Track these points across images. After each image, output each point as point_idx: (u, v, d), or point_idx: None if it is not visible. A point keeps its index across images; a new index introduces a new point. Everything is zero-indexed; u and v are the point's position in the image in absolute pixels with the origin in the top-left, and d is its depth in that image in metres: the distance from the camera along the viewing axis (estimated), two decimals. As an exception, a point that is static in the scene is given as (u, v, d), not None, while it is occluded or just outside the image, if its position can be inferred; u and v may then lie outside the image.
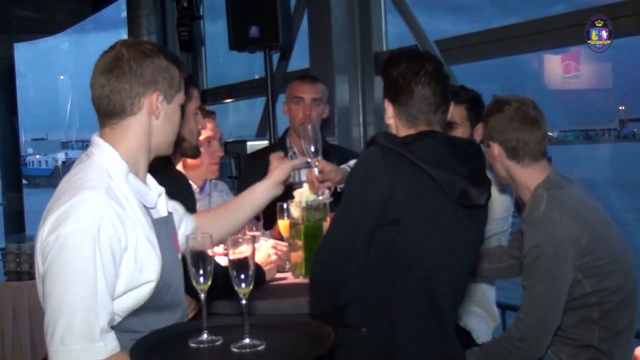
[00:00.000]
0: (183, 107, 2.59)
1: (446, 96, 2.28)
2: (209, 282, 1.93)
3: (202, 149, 3.27)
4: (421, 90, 2.23)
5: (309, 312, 2.49)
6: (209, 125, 3.32)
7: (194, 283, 1.92)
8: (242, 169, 5.18)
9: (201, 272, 1.90)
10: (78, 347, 1.77)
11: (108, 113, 1.98)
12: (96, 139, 2.00)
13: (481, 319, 3.37)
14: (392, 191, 2.13)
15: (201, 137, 3.26)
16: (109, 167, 1.94)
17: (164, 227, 2.04)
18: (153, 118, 1.99)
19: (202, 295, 1.93)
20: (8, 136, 11.45)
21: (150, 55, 1.97)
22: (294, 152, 3.84)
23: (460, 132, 3.20)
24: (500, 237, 3.32)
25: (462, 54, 4.64)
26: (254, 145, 5.27)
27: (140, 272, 1.91)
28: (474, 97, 3.31)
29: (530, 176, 2.65)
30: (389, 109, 2.33)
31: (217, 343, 1.89)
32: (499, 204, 3.21)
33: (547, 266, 2.51)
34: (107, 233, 1.82)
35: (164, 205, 2.12)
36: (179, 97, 2.07)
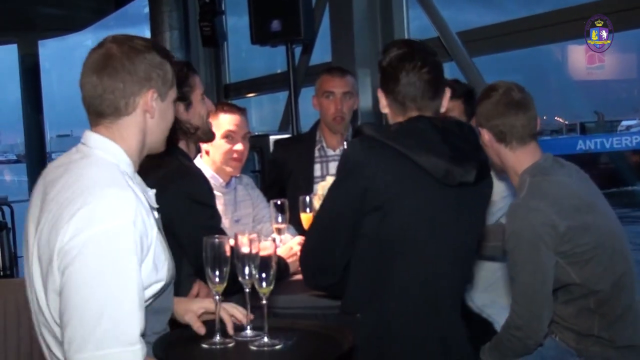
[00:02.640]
0: (185, 99, 2.58)
1: (434, 83, 2.29)
2: (225, 284, 1.96)
3: (218, 140, 3.27)
4: (406, 77, 2.26)
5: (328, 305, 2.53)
6: (235, 120, 3.32)
7: (209, 284, 1.96)
8: (269, 159, 5.20)
9: (217, 272, 1.94)
10: (118, 349, 1.69)
11: (101, 113, 1.88)
12: (94, 135, 1.90)
13: (504, 309, 3.35)
14: (372, 180, 2.17)
15: (221, 131, 3.27)
16: (119, 164, 1.87)
17: (161, 227, 2.01)
18: (148, 117, 1.92)
19: (217, 297, 1.97)
20: (34, 133, 11.57)
21: (142, 51, 1.89)
22: (322, 146, 3.85)
23: None
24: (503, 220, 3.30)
25: (484, 46, 4.61)
26: (276, 139, 5.28)
27: (155, 271, 1.87)
28: (469, 91, 3.41)
29: (518, 160, 2.67)
30: (382, 99, 2.36)
31: (230, 345, 1.91)
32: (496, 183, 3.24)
33: (527, 252, 2.55)
34: (139, 231, 1.76)
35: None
36: (172, 94, 1.99)
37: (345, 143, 3.76)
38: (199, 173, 2.63)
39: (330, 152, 3.84)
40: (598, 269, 2.58)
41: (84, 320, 1.68)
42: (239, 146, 3.34)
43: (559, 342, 2.69)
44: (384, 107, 2.36)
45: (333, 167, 3.80)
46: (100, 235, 1.70)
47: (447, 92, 2.37)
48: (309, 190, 3.64)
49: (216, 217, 2.63)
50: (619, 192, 18.08)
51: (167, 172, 2.52)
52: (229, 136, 3.32)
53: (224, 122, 3.30)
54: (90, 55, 1.91)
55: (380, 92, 2.36)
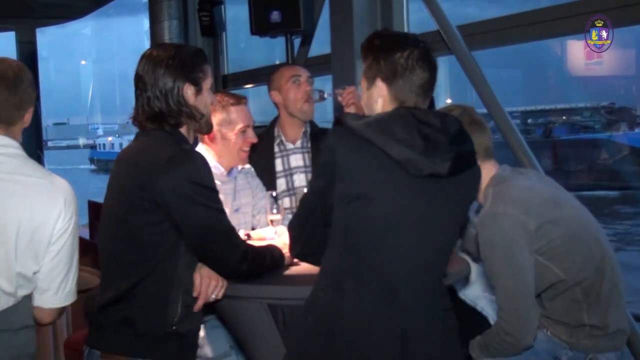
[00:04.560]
0: (196, 84, 2.63)
1: (432, 84, 2.39)
2: None
3: (234, 137, 3.28)
4: (416, 76, 2.34)
5: None
6: (243, 113, 3.34)
7: None
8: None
9: None
10: None
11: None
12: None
13: (492, 302, 3.35)
14: (340, 168, 2.26)
15: (237, 127, 3.30)
16: None
17: None
18: None
19: None
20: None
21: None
22: (282, 141, 3.87)
23: None
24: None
25: (484, 40, 4.60)
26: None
27: None
28: None
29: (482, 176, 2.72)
30: (382, 90, 2.37)
31: None
32: None
33: (503, 257, 2.60)
34: None
35: None
36: None
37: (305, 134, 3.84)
38: (201, 157, 2.60)
39: (289, 145, 3.88)
40: (578, 258, 2.64)
41: None
42: (252, 137, 3.38)
43: (550, 336, 2.73)
44: (380, 96, 2.38)
45: (294, 160, 3.85)
46: None
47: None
48: (273, 186, 3.72)
49: (219, 201, 2.61)
50: None
51: (170, 156, 2.49)
52: (245, 130, 3.34)
53: (238, 117, 3.31)
54: None
55: (382, 83, 2.37)
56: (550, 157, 23.50)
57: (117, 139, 50.14)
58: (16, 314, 2.48)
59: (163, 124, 2.60)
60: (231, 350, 3.45)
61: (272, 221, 3.26)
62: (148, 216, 2.49)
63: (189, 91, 2.60)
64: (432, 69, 2.37)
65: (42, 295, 2.54)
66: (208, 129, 2.77)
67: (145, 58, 2.63)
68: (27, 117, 2.63)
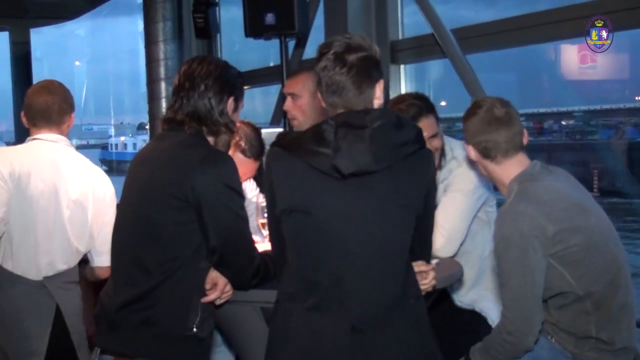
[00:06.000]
0: (237, 101, 2.71)
1: (357, 80, 2.36)
2: None
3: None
4: (328, 79, 2.36)
5: None
6: (247, 166, 3.35)
7: None
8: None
9: None
10: None
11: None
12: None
13: (493, 302, 3.34)
14: (277, 187, 2.35)
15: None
16: None
17: None
18: None
19: None
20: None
21: None
22: None
23: (438, 140, 3.26)
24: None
25: (479, 43, 4.61)
26: (268, 132, 5.24)
27: None
28: (432, 103, 3.36)
29: (505, 172, 2.73)
30: (320, 101, 2.45)
31: None
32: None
33: (515, 256, 2.58)
34: None
35: None
36: None
37: None
38: (232, 161, 2.61)
39: None
40: (593, 268, 2.60)
41: None
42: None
43: (554, 344, 2.70)
44: (323, 107, 2.44)
45: None
46: None
47: (380, 84, 2.43)
48: None
49: (245, 208, 2.62)
50: None
51: (205, 155, 2.52)
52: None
53: (239, 165, 3.29)
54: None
55: (317, 94, 2.45)
56: (625, 161, 21.62)
57: (129, 138, 49.14)
58: (76, 269, 3.13)
59: (203, 126, 2.62)
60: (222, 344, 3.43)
61: (262, 224, 3.25)
62: (176, 215, 2.49)
63: (230, 105, 2.66)
64: (350, 67, 2.34)
65: (100, 257, 3.13)
66: (227, 149, 2.78)
67: (196, 64, 2.67)
68: (71, 120, 3.22)
